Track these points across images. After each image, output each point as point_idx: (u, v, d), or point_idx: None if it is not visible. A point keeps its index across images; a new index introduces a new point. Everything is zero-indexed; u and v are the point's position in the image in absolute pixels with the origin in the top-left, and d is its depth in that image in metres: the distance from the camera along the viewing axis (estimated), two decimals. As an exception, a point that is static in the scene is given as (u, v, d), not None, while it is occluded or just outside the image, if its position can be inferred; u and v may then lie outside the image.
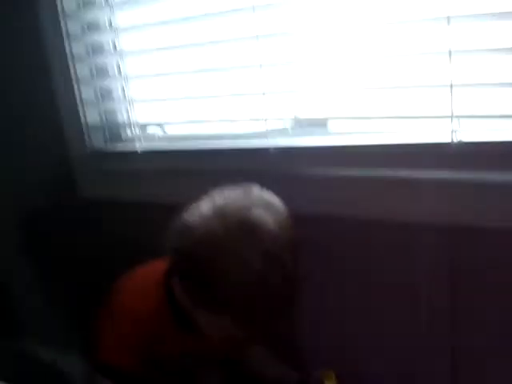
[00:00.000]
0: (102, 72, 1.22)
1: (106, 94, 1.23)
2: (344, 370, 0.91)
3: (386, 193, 0.91)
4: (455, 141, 0.84)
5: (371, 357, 1.02)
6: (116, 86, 1.20)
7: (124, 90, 1.18)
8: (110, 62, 1.20)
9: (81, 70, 1.21)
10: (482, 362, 0.91)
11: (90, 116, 1.23)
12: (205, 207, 0.77)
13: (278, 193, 0.99)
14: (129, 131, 1.24)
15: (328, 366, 0.96)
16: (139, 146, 1.16)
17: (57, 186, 1.36)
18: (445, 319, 0.93)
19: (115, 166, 1.21)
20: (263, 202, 0.76)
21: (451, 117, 0.83)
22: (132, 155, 1.17)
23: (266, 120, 1.00)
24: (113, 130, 1.26)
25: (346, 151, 0.95)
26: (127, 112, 1.19)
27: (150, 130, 1.20)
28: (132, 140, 1.20)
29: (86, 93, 1.22)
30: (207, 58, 1.04)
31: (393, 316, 0.98)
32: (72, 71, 1.20)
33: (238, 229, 0.73)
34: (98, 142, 1.25)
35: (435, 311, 0.93)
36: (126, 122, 1.21)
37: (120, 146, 1.23)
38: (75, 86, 1.21)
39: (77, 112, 1.22)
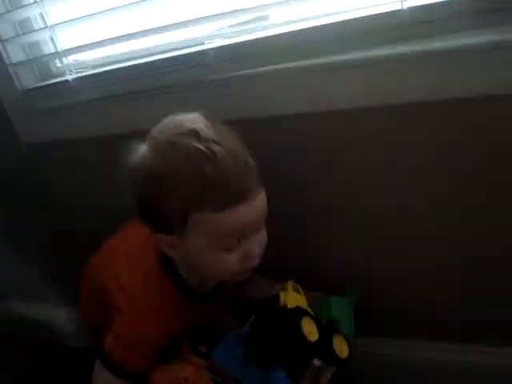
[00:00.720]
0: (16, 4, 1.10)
1: (25, 26, 1.11)
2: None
3: (342, 78, 0.85)
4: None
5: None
6: (34, 14, 1.08)
7: (44, 18, 1.07)
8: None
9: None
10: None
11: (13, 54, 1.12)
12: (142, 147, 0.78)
13: (224, 99, 0.94)
14: (58, 62, 1.13)
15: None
16: (71, 77, 1.07)
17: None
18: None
19: (50, 103, 1.11)
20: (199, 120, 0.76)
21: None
22: (65, 88, 1.08)
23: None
24: (41, 64, 1.15)
25: (292, 41, 0.86)
26: (52, 41, 1.08)
27: (80, 57, 1.09)
28: (63, 72, 1.10)
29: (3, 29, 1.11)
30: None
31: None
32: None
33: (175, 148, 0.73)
34: (27, 80, 1.14)
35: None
36: (52, 52, 1.10)
37: (51, 81, 1.13)
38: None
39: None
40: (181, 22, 0.94)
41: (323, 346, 0.80)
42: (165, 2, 0.94)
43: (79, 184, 1.22)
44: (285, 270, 0.93)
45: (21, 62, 1.13)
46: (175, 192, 0.73)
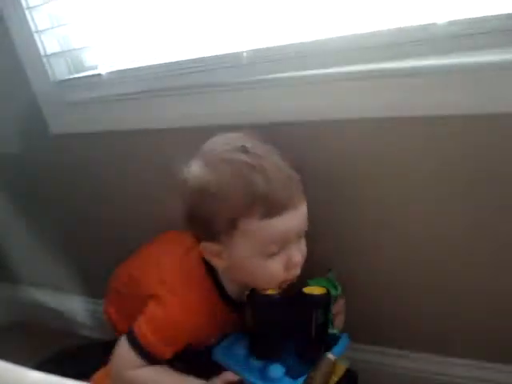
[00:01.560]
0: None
1: (61, 19, 1.13)
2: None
3: (376, 87, 0.85)
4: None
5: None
6: (70, 6, 1.10)
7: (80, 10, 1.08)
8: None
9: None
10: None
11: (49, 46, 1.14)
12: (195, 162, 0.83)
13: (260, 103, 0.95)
14: (91, 56, 1.15)
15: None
16: (104, 71, 1.08)
17: (28, 127, 1.28)
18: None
19: (81, 95, 1.13)
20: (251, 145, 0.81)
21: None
22: (97, 81, 1.09)
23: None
24: (74, 57, 1.17)
25: (330, 47, 0.87)
26: (87, 34, 1.10)
27: (114, 52, 1.11)
28: (95, 66, 1.11)
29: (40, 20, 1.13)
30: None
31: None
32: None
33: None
34: (60, 72, 1.16)
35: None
36: (86, 46, 1.11)
37: (83, 74, 1.14)
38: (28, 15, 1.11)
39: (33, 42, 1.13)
40: (216, 23, 0.95)
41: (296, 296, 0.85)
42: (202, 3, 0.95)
43: (103, 175, 1.23)
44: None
45: (55, 54, 1.14)
46: (226, 202, 0.78)
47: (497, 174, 0.83)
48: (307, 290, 0.86)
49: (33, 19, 1.12)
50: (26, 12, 1.11)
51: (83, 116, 1.16)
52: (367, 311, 1.02)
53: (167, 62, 1.01)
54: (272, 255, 0.81)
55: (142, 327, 0.88)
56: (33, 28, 1.12)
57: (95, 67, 1.12)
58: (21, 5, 1.10)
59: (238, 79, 0.95)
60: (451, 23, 0.77)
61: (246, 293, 0.86)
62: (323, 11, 0.87)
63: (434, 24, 0.77)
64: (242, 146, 0.80)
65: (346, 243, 1.01)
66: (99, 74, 1.08)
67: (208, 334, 0.92)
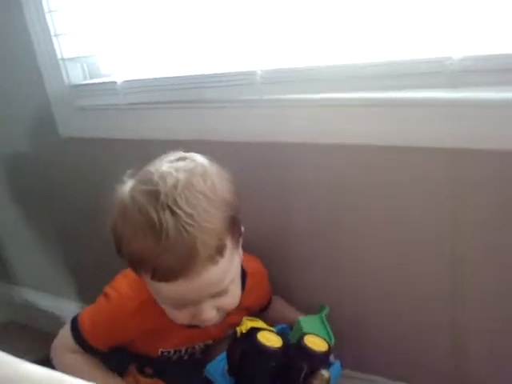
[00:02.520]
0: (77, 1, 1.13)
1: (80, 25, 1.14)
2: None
3: (382, 115, 0.85)
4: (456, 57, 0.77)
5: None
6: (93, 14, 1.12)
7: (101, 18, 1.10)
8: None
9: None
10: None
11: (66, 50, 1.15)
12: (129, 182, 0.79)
13: (263, 122, 0.95)
14: (108, 63, 1.16)
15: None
16: (119, 79, 1.09)
17: (37, 128, 1.30)
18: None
19: (94, 101, 1.14)
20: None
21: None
22: (111, 89, 1.10)
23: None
24: (91, 63, 1.18)
25: (342, 73, 0.87)
26: (105, 42, 1.11)
27: (131, 61, 1.12)
28: (111, 73, 1.13)
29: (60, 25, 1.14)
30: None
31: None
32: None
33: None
34: (75, 76, 1.18)
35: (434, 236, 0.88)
36: (104, 53, 1.13)
37: (98, 80, 1.16)
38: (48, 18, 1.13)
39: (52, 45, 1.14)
40: (232, 40, 0.96)
41: (297, 348, 0.80)
42: (222, 19, 0.96)
43: (106, 182, 1.23)
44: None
45: (71, 58, 1.16)
46: (127, 245, 0.75)
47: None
48: (308, 340, 0.81)
49: (53, 22, 1.13)
50: (47, 15, 1.12)
51: (94, 122, 1.17)
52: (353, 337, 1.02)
53: (182, 75, 1.02)
54: (177, 307, 0.80)
55: (85, 316, 0.91)
56: (52, 31, 1.14)
57: (110, 75, 1.13)
58: (42, 8, 1.12)
59: (249, 97, 0.96)
60: (465, 58, 0.77)
61: (239, 329, 0.81)
62: (337, 38, 0.88)
63: (448, 58, 0.78)
64: (157, 190, 0.73)
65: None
66: (114, 82, 1.09)
67: (159, 340, 0.91)
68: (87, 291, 1.42)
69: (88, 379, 0.79)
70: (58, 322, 1.46)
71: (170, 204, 0.71)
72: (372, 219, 0.92)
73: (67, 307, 1.45)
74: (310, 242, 1.00)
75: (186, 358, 0.96)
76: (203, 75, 0.99)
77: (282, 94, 0.92)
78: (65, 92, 1.18)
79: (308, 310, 0.96)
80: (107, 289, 0.90)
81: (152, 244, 0.71)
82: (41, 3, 1.12)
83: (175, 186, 0.72)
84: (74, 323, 0.91)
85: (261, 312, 1.00)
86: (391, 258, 0.93)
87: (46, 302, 1.54)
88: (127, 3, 1.04)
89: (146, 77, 1.07)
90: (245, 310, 0.91)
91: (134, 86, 1.08)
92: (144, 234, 0.72)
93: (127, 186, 0.78)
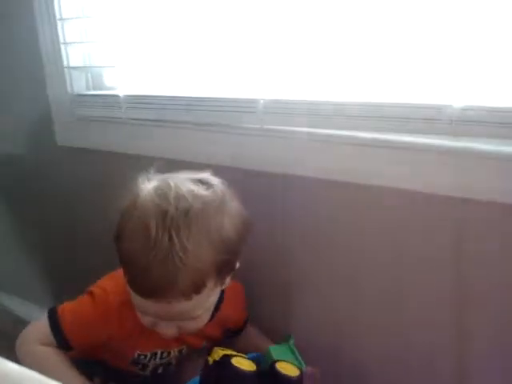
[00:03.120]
0: (87, 12, 1.15)
1: (90, 36, 1.15)
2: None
3: (378, 156, 0.85)
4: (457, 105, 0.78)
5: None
6: (102, 26, 1.13)
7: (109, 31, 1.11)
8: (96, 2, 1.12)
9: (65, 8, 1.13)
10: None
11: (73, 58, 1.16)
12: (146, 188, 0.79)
13: (265, 151, 0.95)
14: (112, 76, 1.17)
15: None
16: (122, 93, 1.09)
17: (35, 132, 1.30)
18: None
19: (95, 112, 1.14)
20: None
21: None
22: (113, 102, 1.11)
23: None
24: (96, 74, 1.19)
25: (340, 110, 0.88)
26: (112, 55, 1.12)
27: (135, 77, 1.13)
28: (115, 87, 1.13)
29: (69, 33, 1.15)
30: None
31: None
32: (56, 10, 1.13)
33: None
34: (79, 86, 1.18)
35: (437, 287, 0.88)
36: (110, 65, 1.14)
37: (101, 92, 1.17)
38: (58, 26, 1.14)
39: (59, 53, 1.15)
40: (239, 67, 0.97)
41: (270, 373, 0.80)
42: (232, 45, 0.97)
43: (97, 193, 1.23)
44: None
45: (77, 67, 1.16)
46: (122, 240, 0.76)
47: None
48: (280, 367, 0.81)
49: (63, 30, 1.14)
50: (58, 23, 1.13)
51: (92, 133, 1.17)
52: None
53: (185, 96, 1.03)
54: (142, 313, 0.81)
55: (66, 308, 0.89)
56: (61, 39, 1.15)
57: (114, 88, 1.13)
58: (54, 15, 1.13)
59: (250, 125, 0.96)
60: (465, 108, 0.78)
61: (211, 358, 0.80)
62: (342, 76, 0.89)
63: (449, 106, 0.79)
64: (165, 210, 0.72)
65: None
66: (117, 95, 1.09)
67: (138, 342, 0.90)
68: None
69: (59, 378, 0.80)
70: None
71: (171, 229, 0.71)
72: (369, 261, 0.92)
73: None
74: (305, 273, 1.00)
75: (159, 371, 0.95)
76: (206, 98, 1.00)
77: (283, 125, 0.93)
78: (67, 100, 1.18)
79: (306, 341, 0.95)
80: (91, 287, 0.90)
81: (140, 256, 0.72)
82: (53, 10, 1.13)
83: (185, 215, 0.72)
84: (53, 315, 0.89)
85: (235, 334, 1.01)
86: (388, 306, 0.93)
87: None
88: (139, 19, 1.05)
89: (150, 93, 1.07)
90: (221, 322, 0.93)
91: (136, 101, 1.08)
92: (138, 242, 0.73)
93: (147, 186, 0.78)
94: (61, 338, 0.87)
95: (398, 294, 0.91)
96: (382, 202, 0.88)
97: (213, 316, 0.87)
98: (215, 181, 0.80)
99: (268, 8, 0.89)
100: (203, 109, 1.00)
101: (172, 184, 0.76)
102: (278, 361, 0.82)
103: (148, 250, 0.71)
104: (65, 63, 1.15)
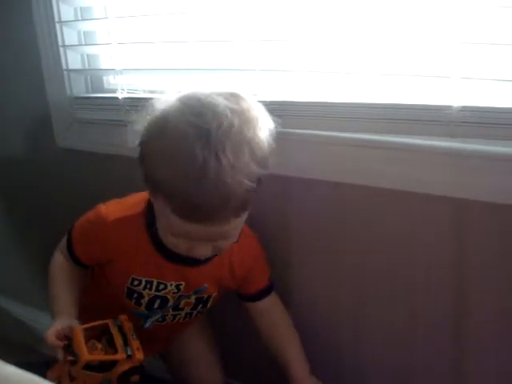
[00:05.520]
0: (86, 14, 1.15)
1: (89, 37, 1.16)
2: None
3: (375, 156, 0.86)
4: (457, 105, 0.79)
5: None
6: (101, 29, 1.13)
7: (109, 34, 1.11)
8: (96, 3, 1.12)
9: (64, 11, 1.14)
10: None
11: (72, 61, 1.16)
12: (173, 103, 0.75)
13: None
14: (111, 79, 1.17)
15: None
16: (121, 96, 1.09)
17: (34, 134, 1.30)
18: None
19: (95, 115, 1.14)
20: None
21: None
22: (112, 104, 1.11)
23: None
24: (94, 77, 1.19)
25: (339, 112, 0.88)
26: (111, 58, 1.11)
27: (134, 79, 1.13)
28: (114, 90, 1.13)
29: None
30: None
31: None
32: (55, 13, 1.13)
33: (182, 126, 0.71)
34: (78, 88, 1.18)
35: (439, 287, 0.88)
36: (109, 68, 1.14)
37: (101, 95, 1.17)
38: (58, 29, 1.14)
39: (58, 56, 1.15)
40: (235, 68, 0.98)
41: None
42: (228, 45, 0.98)
43: (96, 195, 1.23)
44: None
45: (76, 70, 1.16)
46: (160, 167, 0.73)
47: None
48: None
49: (62, 33, 1.14)
50: (57, 25, 1.13)
51: (92, 135, 1.17)
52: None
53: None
54: (177, 238, 0.79)
55: (77, 223, 0.94)
56: (60, 42, 1.15)
57: (113, 90, 1.13)
58: (53, 18, 1.13)
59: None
60: (465, 109, 0.79)
61: None
62: (342, 77, 0.89)
63: (448, 107, 0.79)
64: (207, 129, 0.69)
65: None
66: (116, 98, 1.09)
67: (133, 265, 0.90)
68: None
69: (50, 292, 0.91)
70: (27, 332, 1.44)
71: (217, 149, 0.69)
72: (372, 263, 0.93)
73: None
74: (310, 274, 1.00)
75: (156, 305, 0.93)
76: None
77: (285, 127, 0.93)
78: (66, 103, 1.18)
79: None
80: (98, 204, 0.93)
81: (189, 181, 0.69)
82: (52, 13, 1.13)
83: (227, 132, 0.70)
84: (69, 232, 0.95)
85: (259, 298, 0.97)
86: (392, 305, 0.93)
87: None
88: (138, 21, 1.06)
89: (149, 96, 1.07)
90: (227, 265, 0.92)
91: (135, 103, 1.08)
92: (184, 167, 0.69)
93: (171, 105, 0.75)
94: (71, 252, 0.94)
95: (403, 296, 0.92)
96: (381, 202, 0.89)
97: (214, 257, 0.87)
98: (242, 92, 0.77)
99: (271, 11, 0.90)
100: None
101: (205, 101, 0.73)
102: None
103: (196, 176, 0.69)
104: (64, 66, 1.15)
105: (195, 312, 0.97)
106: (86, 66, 1.18)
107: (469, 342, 0.88)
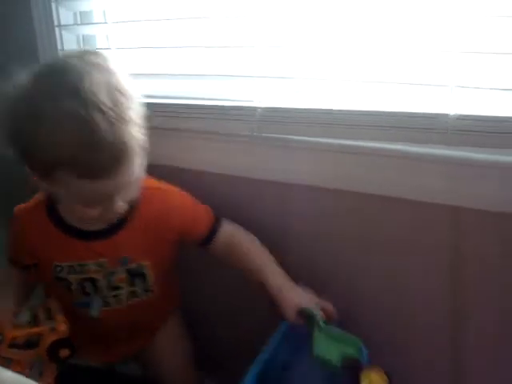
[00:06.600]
0: (86, 18, 1.16)
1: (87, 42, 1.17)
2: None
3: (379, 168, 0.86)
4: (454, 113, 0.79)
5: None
6: (100, 33, 1.14)
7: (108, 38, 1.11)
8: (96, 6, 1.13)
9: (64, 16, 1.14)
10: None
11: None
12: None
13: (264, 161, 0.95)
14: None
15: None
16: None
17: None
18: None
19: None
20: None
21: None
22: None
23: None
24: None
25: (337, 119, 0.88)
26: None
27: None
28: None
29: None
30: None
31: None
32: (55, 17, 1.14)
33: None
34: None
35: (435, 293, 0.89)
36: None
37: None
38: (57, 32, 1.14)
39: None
40: (235, 75, 0.98)
41: None
42: (229, 50, 0.98)
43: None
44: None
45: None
46: (45, 141, 0.72)
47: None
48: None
49: (61, 37, 1.15)
50: (57, 29, 1.14)
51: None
52: None
53: (183, 103, 1.03)
54: (90, 205, 0.80)
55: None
56: (59, 46, 1.15)
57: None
58: (53, 22, 1.14)
59: (248, 133, 0.96)
60: (461, 117, 0.79)
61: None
62: (339, 85, 0.90)
63: (445, 115, 0.80)
64: (76, 87, 0.70)
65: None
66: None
67: (53, 254, 0.91)
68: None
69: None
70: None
71: (94, 100, 0.70)
72: (370, 269, 0.93)
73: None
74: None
75: (87, 289, 0.93)
76: (205, 106, 1.00)
77: (282, 133, 0.93)
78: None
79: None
80: None
81: (84, 139, 0.70)
82: (51, 17, 1.13)
83: (96, 84, 0.72)
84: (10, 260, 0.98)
85: (210, 238, 0.95)
86: (390, 312, 0.94)
87: None
88: (136, 27, 1.07)
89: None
90: (146, 231, 0.90)
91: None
92: (73, 131, 0.70)
93: (27, 81, 0.75)
94: (11, 260, 0.97)
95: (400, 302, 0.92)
96: (378, 209, 0.89)
97: (126, 221, 0.88)
98: (92, 50, 0.83)
99: (268, 17, 0.91)
100: (203, 116, 1.00)
101: (59, 64, 0.77)
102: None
103: (88, 132, 0.70)
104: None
105: (139, 290, 0.95)
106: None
107: (467, 346, 0.89)
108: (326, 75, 0.90)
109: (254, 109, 0.94)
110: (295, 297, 0.87)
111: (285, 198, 0.97)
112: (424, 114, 0.82)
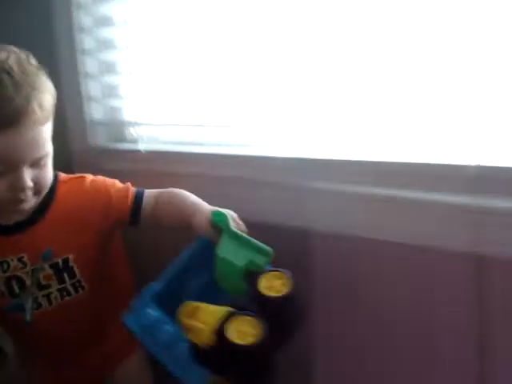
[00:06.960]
0: (110, 68, 1.19)
1: (112, 91, 1.19)
2: None
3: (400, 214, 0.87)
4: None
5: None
6: (123, 83, 1.17)
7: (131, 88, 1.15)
8: (120, 58, 1.16)
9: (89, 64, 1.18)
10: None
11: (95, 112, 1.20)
12: None
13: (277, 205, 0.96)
14: (133, 131, 1.19)
15: None
16: (142, 147, 1.12)
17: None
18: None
19: (116, 165, 1.16)
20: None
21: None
22: (134, 155, 1.13)
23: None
24: (117, 128, 1.22)
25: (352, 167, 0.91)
26: (133, 111, 1.16)
27: (154, 132, 1.16)
28: (135, 140, 1.16)
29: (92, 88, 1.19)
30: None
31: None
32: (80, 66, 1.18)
33: None
34: (101, 139, 1.22)
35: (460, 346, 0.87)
36: (130, 121, 1.18)
37: (123, 146, 1.20)
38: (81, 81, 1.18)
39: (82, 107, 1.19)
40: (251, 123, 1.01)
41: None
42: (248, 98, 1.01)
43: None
44: None
45: (100, 122, 1.20)
46: None
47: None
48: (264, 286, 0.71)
49: (86, 86, 1.19)
50: (81, 79, 1.18)
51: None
52: None
53: (204, 152, 1.06)
54: None
55: None
56: (84, 93, 1.19)
57: (135, 141, 1.16)
58: (78, 72, 1.17)
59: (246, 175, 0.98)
60: (482, 168, 0.79)
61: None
62: (360, 134, 0.91)
63: (466, 166, 0.80)
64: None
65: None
66: (138, 151, 1.12)
67: None
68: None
69: None
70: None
71: (5, 67, 0.77)
72: (391, 319, 0.92)
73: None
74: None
75: (16, 290, 0.89)
76: (223, 155, 1.03)
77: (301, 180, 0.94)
78: (89, 153, 1.21)
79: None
80: None
81: None
82: (76, 66, 1.17)
83: (6, 59, 0.79)
84: None
85: (135, 217, 0.93)
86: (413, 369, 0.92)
87: None
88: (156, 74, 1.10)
89: (170, 149, 1.10)
90: (68, 223, 0.89)
91: (156, 155, 1.11)
92: None
93: None
94: None
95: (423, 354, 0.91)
96: (401, 258, 0.89)
97: (43, 212, 0.87)
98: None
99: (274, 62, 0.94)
100: (223, 164, 1.03)
101: None
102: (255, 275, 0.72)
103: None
104: (87, 118, 1.19)
105: (70, 287, 0.91)
106: (108, 118, 1.21)
107: None
108: (341, 125, 0.92)
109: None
110: (209, 208, 0.85)
111: (303, 244, 0.97)
112: (446, 164, 0.83)
